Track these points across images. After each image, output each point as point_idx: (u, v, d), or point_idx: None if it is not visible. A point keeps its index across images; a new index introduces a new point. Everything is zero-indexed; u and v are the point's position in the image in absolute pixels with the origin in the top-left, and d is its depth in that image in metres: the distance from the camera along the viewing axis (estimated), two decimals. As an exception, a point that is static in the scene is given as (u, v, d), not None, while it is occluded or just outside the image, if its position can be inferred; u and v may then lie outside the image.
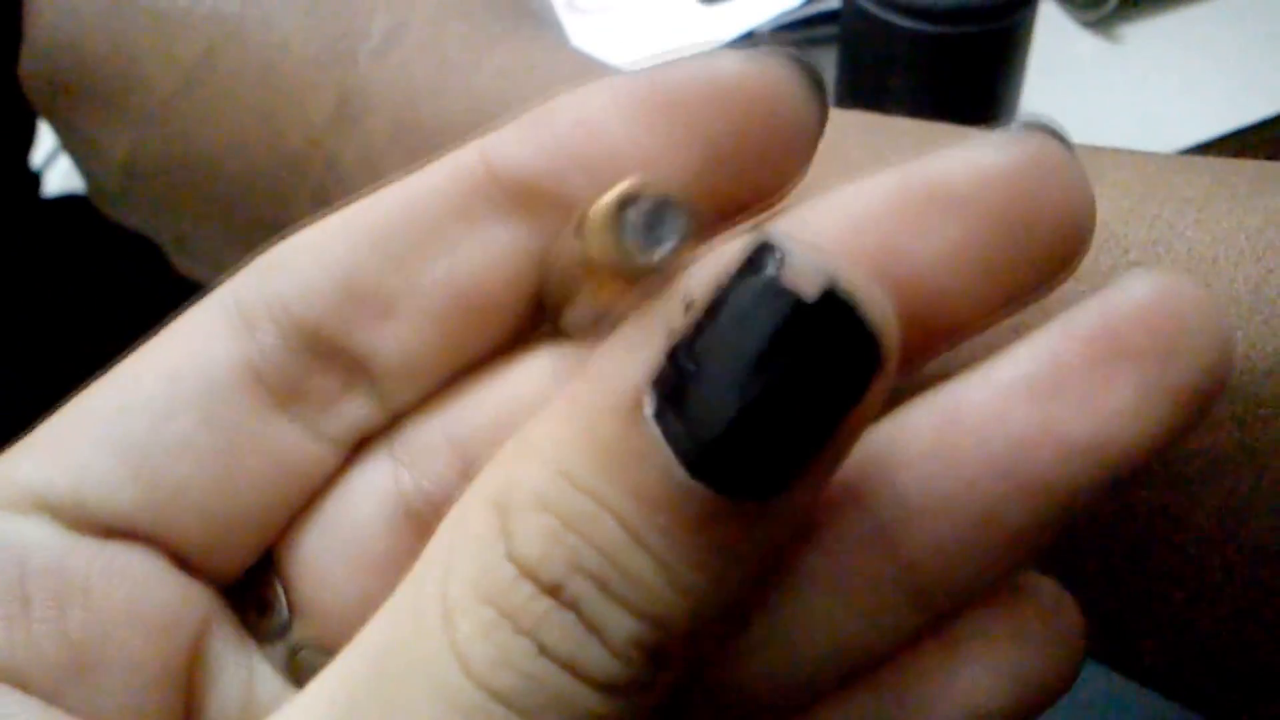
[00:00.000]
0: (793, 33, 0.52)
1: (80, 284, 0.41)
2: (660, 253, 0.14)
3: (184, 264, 0.33)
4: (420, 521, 0.18)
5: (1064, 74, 0.54)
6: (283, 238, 0.18)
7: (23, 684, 0.16)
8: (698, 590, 0.14)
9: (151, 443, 0.17)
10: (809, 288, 0.13)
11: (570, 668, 0.14)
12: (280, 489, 0.18)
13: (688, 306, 0.14)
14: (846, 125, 0.23)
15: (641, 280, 0.14)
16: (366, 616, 0.15)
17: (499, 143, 0.18)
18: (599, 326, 0.16)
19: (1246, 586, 0.21)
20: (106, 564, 0.17)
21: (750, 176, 0.17)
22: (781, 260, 0.13)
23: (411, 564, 0.15)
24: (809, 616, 0.16)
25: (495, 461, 0.15)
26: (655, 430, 0.14)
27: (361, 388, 0.18)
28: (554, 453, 0.14)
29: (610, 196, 0.14)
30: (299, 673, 0.19)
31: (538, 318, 0.19)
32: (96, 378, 0.18)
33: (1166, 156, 0.23)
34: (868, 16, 0.45)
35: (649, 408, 0.14)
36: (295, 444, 0.18)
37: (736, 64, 0.16)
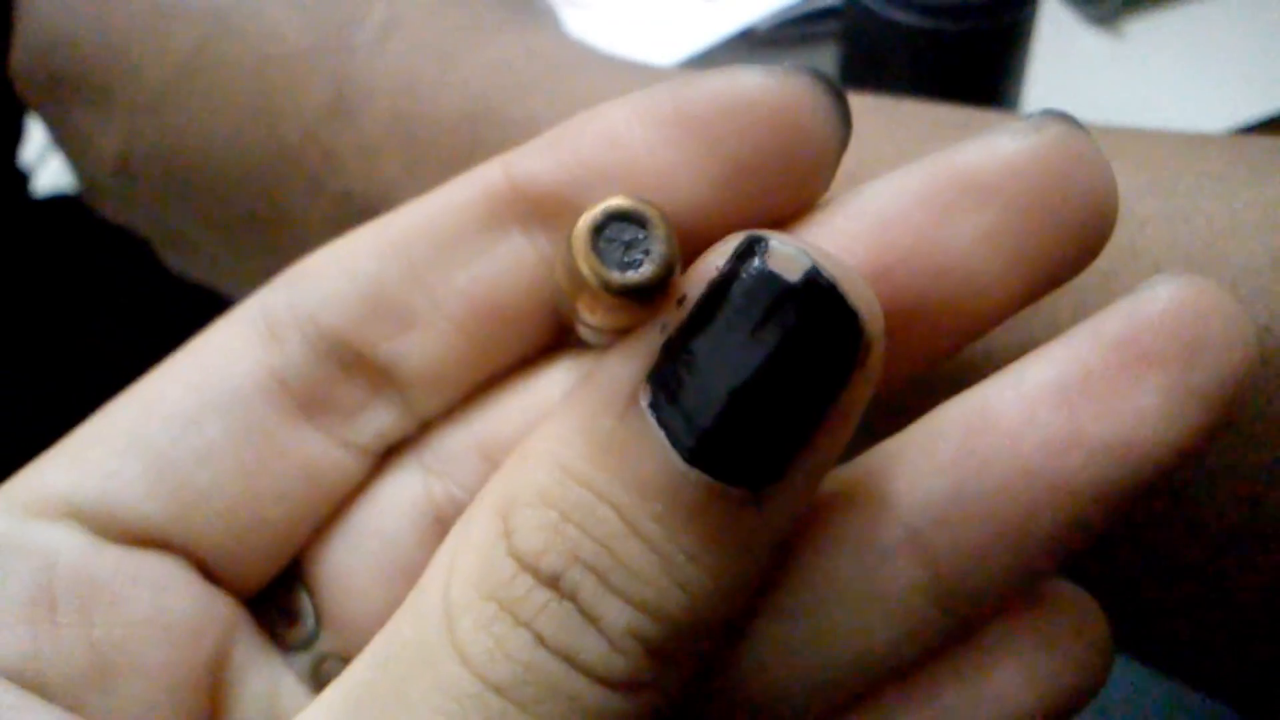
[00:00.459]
0: (793, 28, 0.51)
1: (70, 283, 0.41)
2: (635, 275, 0.14)
3: (176, 261, 0.33)
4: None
5: (1068, 70, 0.54)
6: (297, 248, 0.19)
7: (45, 689, 0.16)
8: (695, 582, 0.14)
9: (178, 452, 0.17)
10: (792, 273, 0.14)
11: (568, 659, 0.14)
12: (306, 498, 0.18)
13: (680, 303, 0.14)
14: (860, 111, 0.23)
15: (629, 298, 0.15)
16: None
17: (522, 157, 0.18)
18: (605, 338, 0.16)
19: (1264, 574, 0.21)
20: (132, 571, 0.17)
21: (771, 193, 0.17)
22: (766, 251, 0.14)
23: None
24: (838, 622, 0.16)
25: (500, 471, 0.16)
26: (651, 420, 0.14)
27: (388, 397, 0.19)
28: (554, 450, 0.15)
29: (586, 218, 0.15)
30: (324, 683, 0.18)
31: (564, 327, 0.19)
32: (92, 377, 0.18)
33: (1181, 134, 0.23)
34: (869, 12, 0.45)
35: (645, 399, 0.14)
36: (322, 453, 0.18)
37: (759, 80, 0.16)
